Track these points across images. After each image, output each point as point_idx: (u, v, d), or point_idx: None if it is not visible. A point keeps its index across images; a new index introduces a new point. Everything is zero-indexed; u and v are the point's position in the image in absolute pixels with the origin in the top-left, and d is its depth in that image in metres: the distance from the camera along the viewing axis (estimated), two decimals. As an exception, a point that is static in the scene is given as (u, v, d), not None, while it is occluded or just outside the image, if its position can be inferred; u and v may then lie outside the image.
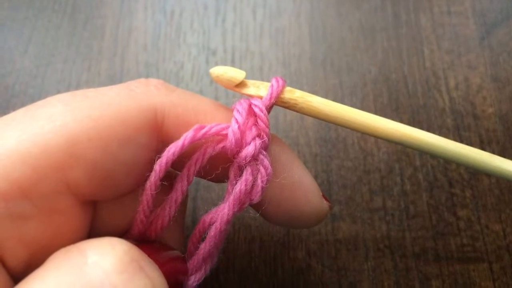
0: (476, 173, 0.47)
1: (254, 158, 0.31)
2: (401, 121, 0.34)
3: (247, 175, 0.31)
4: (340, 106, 0.33)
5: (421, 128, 0.35)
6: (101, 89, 0.30)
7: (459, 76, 0.52)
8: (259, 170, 0.32)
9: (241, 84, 0.34)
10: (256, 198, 0.32)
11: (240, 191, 0.31)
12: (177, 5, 0.58)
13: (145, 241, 0.32)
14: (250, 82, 0.34)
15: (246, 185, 0.31)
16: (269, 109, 0.33)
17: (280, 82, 0.33)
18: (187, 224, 0.45)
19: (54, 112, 0.27)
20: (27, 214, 0.26)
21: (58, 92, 0.53)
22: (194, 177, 0.32)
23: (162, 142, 0.30)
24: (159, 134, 0.30)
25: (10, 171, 0.25)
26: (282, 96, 0.33)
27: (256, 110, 0.32)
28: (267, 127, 0.32)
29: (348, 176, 0.47)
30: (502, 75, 0.51)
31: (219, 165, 0.32)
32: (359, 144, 0.49)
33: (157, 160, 0.30)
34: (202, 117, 0.31)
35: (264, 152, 0.32)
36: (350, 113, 0.33)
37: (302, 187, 0.34)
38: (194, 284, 0.32)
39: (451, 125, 0.49)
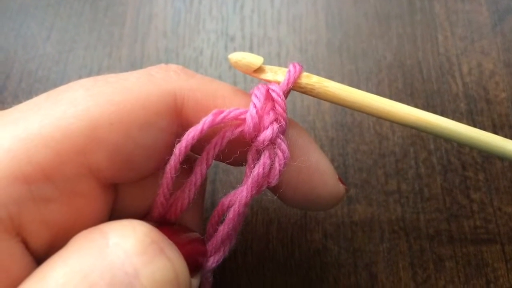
0: (489, 156, 0.46)
1: (272, 142, 0.31)
2: (416, 106, 0.33)
3: (265, 158, 0.31)
4: (356, 91, 0.33)
5: (435, 112, 0.35)
6: (122, 75, 0.30)
7: (472, 61, 0.51)
8: (276, 154, 0.31)
9: (259, 70, 0.33)
10: (273, 181, 0.32)
11: (258, 174, 0.31)
12: (196, -8, 0.58)
13: (165, 223, 0.32)
14: (267, 67, 0.34)
15: (264, 168, 0.31)
16: (286, 94, 0.33)
17: (297, 67, 0.33)
18: (206, 207, 0.45)
19: (76, 97, 0.27)
20: (50, 196, 0.26)
21: (80, 77, 0.53)
22: (213, 160, 0.32)
23: (182, 126, 0.30)
24: (178, 119, 0.30)
25: (33, 155, 0.25)
26: (299, 81, 0.33)
27: (274, 95, 0.32)
28: (284, 111, 0.32)
29: (363, 159, 0.47)
30: (515, 61, 0.51)
31: (237, 149, 0.32)
32: (375, 128, 0.48)
33: (177, 144, 0.29)
34: (220, 102, 0.31)
35: (282, 136, 0.31)
36: (366, 98, 0.33)
37: (319, 170, 0.33)
38: (213, 265, 0.32)
39: (464, 110, 0.49)
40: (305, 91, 0.33)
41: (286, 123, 0.32)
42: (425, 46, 0.52)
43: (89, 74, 0.54)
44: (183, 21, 0.57)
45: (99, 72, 0.54)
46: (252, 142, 0.31)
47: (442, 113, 0.48)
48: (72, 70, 0.55)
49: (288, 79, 0.32)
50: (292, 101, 0.50)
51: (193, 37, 0.55)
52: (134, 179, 0.30)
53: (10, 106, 0.28)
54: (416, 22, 0.53)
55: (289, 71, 0.33)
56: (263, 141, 0.31)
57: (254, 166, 0.32)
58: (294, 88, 0.33)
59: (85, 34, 0.57)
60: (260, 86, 0.32)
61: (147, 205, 0.32)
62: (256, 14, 0.56)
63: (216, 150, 0.31)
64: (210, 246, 0.32)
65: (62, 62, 0.55)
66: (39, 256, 0.26)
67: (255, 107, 0.31)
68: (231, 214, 0.31)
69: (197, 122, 0.29)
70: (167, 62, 0.53)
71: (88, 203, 0.28)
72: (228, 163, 0.34)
